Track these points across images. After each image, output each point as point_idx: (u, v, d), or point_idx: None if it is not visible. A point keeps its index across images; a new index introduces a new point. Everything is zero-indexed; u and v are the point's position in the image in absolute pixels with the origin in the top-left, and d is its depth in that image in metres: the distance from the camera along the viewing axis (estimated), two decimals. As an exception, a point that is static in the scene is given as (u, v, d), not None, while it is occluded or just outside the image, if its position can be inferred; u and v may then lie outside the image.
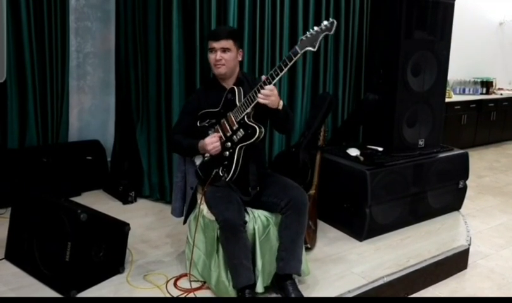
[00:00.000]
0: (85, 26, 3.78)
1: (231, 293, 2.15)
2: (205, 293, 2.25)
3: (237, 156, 2.17)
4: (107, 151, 3.84)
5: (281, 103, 2.14)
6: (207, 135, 2.25)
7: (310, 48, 2.01)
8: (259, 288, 2.17)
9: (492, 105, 6.01)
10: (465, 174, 3.50)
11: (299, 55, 2.02)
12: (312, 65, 3.68)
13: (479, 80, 6.29)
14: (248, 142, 2.15)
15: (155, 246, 2.75)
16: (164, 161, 3.39)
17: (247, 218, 2.18)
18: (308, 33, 2.02)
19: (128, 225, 2.45)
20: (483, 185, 4.40)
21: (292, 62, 2.02)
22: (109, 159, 3.85)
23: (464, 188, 3.52)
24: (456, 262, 2.77)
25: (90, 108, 3.92)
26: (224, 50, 2.23)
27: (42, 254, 2.29)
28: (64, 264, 2.14)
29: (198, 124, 2.32)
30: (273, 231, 2.24)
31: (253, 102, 2.09)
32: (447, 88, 4.84)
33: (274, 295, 2.25)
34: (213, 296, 2.23)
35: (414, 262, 2.62)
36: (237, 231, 2.08)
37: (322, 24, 2.01)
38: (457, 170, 3.43)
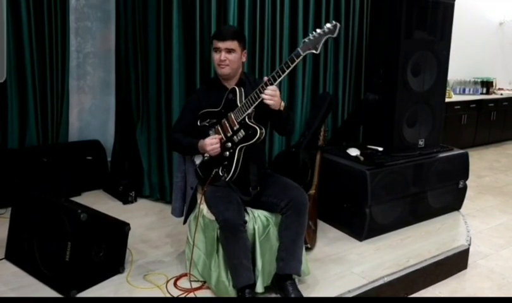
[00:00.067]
0: (85, 26, 3.78)
1: (231, 293, 2.15)
2: (205, 293, 2.25)
3: (237, 156, 2.17)
4: (107, 151, 3.83)
5: (283, 104, 2.14)
6: (207, 134, 2.25)
7: (313, 51, 2.01)
8: (259, 288, 2.17)
9: (492, 105, 6.01)
10: (465, 174, 3.50)
11: (301, 57, 2.02)
12: (312, 65, 3.68)
13: (479, 80, 6.29)
14: (248, 143, 2.15)
15: (155, 246, 2.75)
16: (164, 161, 3.39)
17: (247, 218, 2.18)
18: (310, 35, 2.02)
19: (128, 225, 2.45)
20: (483, 185, 4.40)
21: (295, 64, 2.03)
22: (109, 159, 3.85)
23: (464, 188, 3.52)
24: (456, 262, 2.77)
25: (90, 108, 3.92)
26: (229, 50, 2.23)
27: (42, 253, 2.29)
28: (64, 264, 2.14)
29: (198, 123, 2.32)
30: (273, 231, 2.24)
31: (254, 103, 2.09)
32: (447, 88, 4.84)
33: (273, 295, 2.25)
34: (213, 296, 2.23)
35: (414, 262, 2.62)
36: (237, 231, 2.08)
37: (325, 27, 2.00)
38: (457, 170, 3.43)
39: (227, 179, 2.19)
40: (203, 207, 2.26)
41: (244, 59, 2.32)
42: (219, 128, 2.23)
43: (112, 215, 2.46)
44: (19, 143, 3.37)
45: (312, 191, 2.99)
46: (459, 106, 5.59)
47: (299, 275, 2.27)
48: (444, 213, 3.42)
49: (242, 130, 2.15)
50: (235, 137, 2.18)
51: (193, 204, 2.39)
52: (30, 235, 2.36)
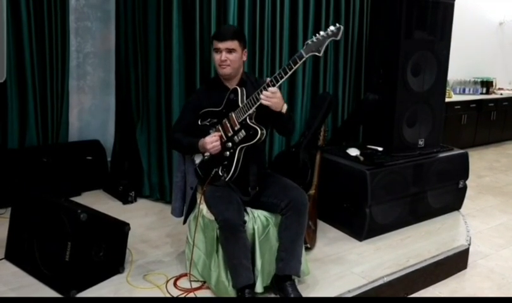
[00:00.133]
0: (85, 26, 3.78)
1: (231, 293, 2.15)
2: (204, 293, 2.25)
3: (237, 156, 2.17)
4: (107, 151, 3.84)
5: (285, 106, 2.14)
6: (207, 134, 2.25)
7: (316, 53, 2.01)
8: (259, 288, 2.17)
9: (492, 105, 6.01)
10: (465, 174, 3.50)
11: (304, 59, 2.02)
12: (312, 65, 3.68)
13: (479, 80, 6.29)
14: (249, 144, 2.15)
15: (155, 246, 2.75)
16: (164, 161, 3.39)
17: (246, 218, 2.18)
18: (314, 37, 2.02)
19: (127, 224, 2.45)
20: (483, 185, 4.40)
21: (297, 66, 2.03)
22: (109, 159, 3.85)
23: (464, 188, 3.52)
24: (456, 262, 2.77)
25: (90, 108, 3.92)
26: (230, 50, 2.22)
27: (42, 254, 2.29)
28: (64, 264, 2.14)
29: (199, 123, 2.32)
30: (272, 231, 2.24)
31: (255, 103, 2.09)
32: (447, 88, 4.85)
33: (273, 295, 2.25)
34: (213, 296, 2.23)
35: (414, 262, 2.62)
36: (236, 231, 2.08)
37: (329, 30, 2.00)
38: (457, 170, 3.43)
39: (227, 179, 2.19)
40: (203, 207, 2.26)
41: (245, 58, 2.32)
42: (220, 128, 2.23)
43: (112, 215, 2.46)
44: (19, 143, 3.37)
45: (312, 191, 2.99)
46: (459, 106, 5.59)
47: (298, 276, 2.27)
48: (444, 213, 3.42)
49: (243, 131, 2.15)
50: (236, 137, 2.18)
51: (192, 204, 2.39)
52: (30, 235, 2.36)
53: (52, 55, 3.40)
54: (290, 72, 2.03)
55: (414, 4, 3.06)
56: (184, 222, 2.46)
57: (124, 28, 3.56)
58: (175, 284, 2.31)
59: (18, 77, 3.28)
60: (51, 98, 3.45)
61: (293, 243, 2.19)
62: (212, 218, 2.18)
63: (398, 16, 3.05)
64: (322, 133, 3.25)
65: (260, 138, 2.13)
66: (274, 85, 2.05)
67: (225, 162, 2.20)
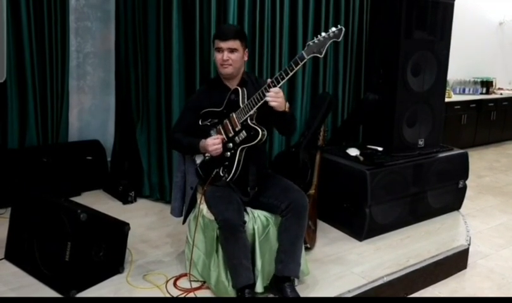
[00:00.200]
0: (85, 26, 3.78)
1: (231, 293, 2.15)
2: (204, 293, 2.25)
3: (238, 157, 2.17)
4: (107, 151, 3.84)
5: (287, 105, 2.14)
6: (208, 134, 2.25)
7: (317, 55, 2.02)
8: (258, 288, 2.17)
9: (492, 104, 6.01)
10: (465, 174, 3.50)
11: (305, 60, 2.02)
12: (312, 65, 3.68)
13: (479, 80, 6.29)
14: (250, 144, 2.15)
15: (155, 246, 2.75)
16: (164, 161, 3.39)
17: (246, 218, 2.18)
18: (315, 38, 2.02)
19: (127, 224, 2.45)
20: (483, 185, 4.40)
21: (298, 67, 2.03)
22: (109, 159, 3.85)
23: (464, 188, 3.52)
24: (456, 262, 2.77)
25: (90, 108, 3.92)
26: (231, 50, 2.22)
27: (42, 254, 2.29)
28: (64, 264, 2.14)
29: (200, 123, 2.32)
30: (272, 232, 2.24)
31: (257, 104, 2.09)
32: (447, 88, 4.85)
33: (273, 296, 2.25)
34: (213, 296, 2.23)
35: (414, 262, 2.62)
36: (236, 231, 2.08)
37: (330, 31, 2.00)
38: (457, 170, 3.43)
39: (227, 179, 2.19)
40: (203, 207, 2.26)
41: (246, 58, 2.32)
42: (221, 128, 2.23)
43: (112, 215, 2.46)
44: (19, 143, 3.37)
45: (312, 191, 2.99)
46: (459, 106, 5.59)
47: (297, 277, 2.27)
48: (444, 213, 3.42)
49: (244, 131, 2.15)
50: (237, 138, 2.18)
51: (192, 204, 2.39)
52: (30, 235, 2.36)
53: (52, 55, 3.40)
54: (291, 73, 2.03)
55: (414, 4, 3.06)
56: (184, 222, 2.46)
57: (124, 28, 3.56)
58: (175, 284, 2.31)
59: (18, 77, 3.28)
60: (51, 98, 3.45)
61: (293, 245, 2.19)
62: (212, 218, 2.18)
63: (398, 15, 3.05)
64: (321, 133, 3.25)
65: (261, 139, 2.13)
66: (275, 86, 2.05)
67: (226, 163, 2.20)
